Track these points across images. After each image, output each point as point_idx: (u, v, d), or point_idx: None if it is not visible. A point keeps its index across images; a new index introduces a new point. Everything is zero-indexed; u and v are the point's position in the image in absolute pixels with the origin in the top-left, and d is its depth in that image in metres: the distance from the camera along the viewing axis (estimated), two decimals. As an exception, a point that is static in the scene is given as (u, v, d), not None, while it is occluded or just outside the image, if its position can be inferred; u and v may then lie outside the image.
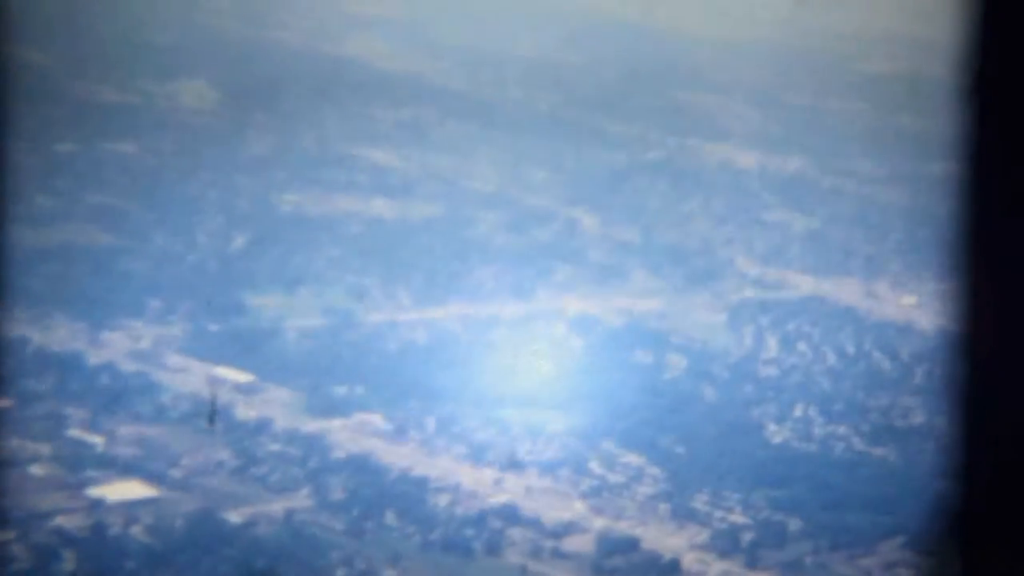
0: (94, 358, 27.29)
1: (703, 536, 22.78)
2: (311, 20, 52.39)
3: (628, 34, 50.63)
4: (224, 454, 24.24)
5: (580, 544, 23.11)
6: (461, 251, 31.50)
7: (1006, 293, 2.79)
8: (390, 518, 22.55)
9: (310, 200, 34.75)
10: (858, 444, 23.67)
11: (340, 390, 26.20)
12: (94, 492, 23.73)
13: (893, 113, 39.91)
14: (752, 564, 22.87)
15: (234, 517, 22.73)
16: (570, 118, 39.79)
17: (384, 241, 31.32)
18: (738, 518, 23.10)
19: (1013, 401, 2.86)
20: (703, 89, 42.83)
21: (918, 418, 24.11)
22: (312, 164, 37.21)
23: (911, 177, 35.16)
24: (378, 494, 22.92)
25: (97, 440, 24.94)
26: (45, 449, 24.53)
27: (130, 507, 23.20)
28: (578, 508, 23.65)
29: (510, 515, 23.36)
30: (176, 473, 23.48)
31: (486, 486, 23.62)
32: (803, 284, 31.11)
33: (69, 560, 21.68)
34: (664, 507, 23.14)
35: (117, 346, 28.15)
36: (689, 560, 22.24)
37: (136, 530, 22.70)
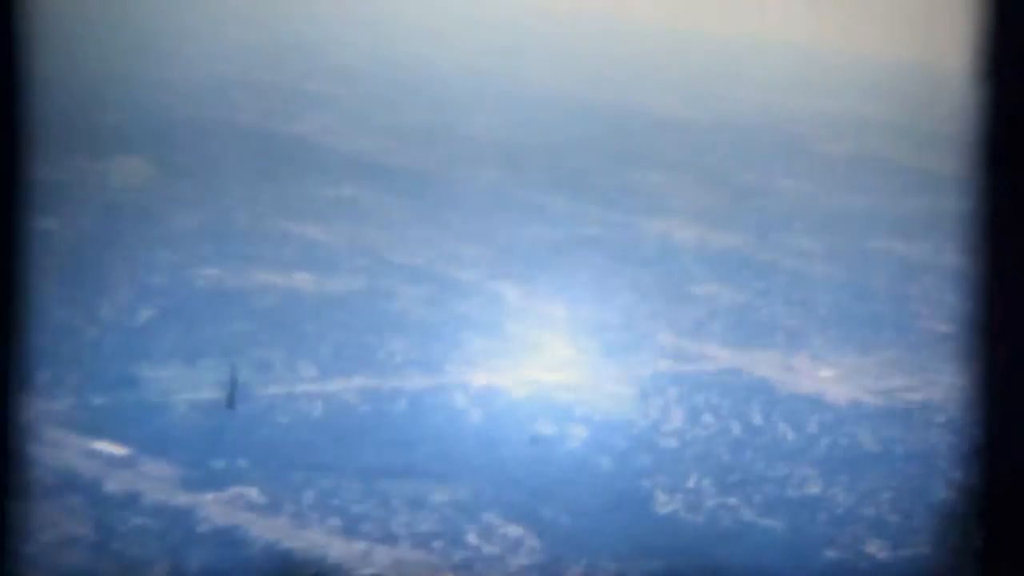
0: (-32, 430, 26.65)
1: (572, 609, 22.07)
2: (265, 100, 52.08)
3: (591, 115, 50.19)
4: (84, 529, 23.45)
5: (441, 617, 22.40)
6: (375, 324, 30.76)
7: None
8: (247, 591, 21.89)
9: (229, 274, 34.07)
10: (747, 515, 22.90)
11: (219, 463, 25.47)
12: (-66, 567, 22.99)
13: (836, 192, 39.31)
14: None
15: (80, 591, 22.02)
16: (513, 195, 39.23)
17: (297, 314, 30.58)
18: (609, 589, 22.40)
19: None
20: (653, 168, 42.35)
21: (813, 488, 23.41)
22: (239, 239, 36.55)
23: (846, 252, 34.45)
24: (238, 568, 22.16)
25: (-49, 513, 24.22)
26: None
27: (-30, 582, 22.47)
28: (446, 580, 22.89)
29: (374, 587, 22.63)
30: (29, 549, 22.72)
31: (354, 559, 22.88)
32: (721, 357, 30.38)
33: None
34: (536, 579, 22.44)
35: (-6, 418, 27.52)
36: (553, 634, 21.51)
37: (-30, 606, 21.98)
